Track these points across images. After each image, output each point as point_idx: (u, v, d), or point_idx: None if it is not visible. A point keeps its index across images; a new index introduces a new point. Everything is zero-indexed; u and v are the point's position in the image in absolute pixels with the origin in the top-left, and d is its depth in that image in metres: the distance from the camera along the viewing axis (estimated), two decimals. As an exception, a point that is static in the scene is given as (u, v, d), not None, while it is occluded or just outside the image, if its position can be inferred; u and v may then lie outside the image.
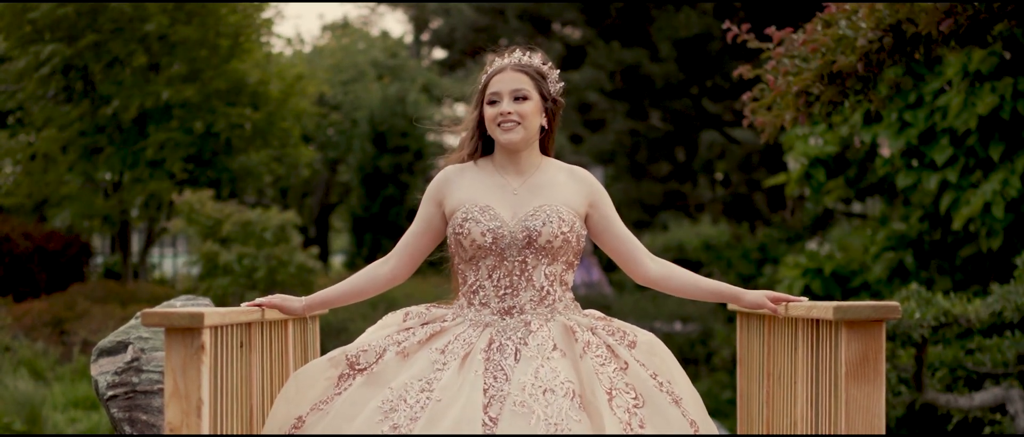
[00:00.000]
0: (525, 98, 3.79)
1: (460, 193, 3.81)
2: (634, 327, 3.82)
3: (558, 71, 3.93)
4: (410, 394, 3.53)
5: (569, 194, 3.81)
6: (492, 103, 3.81)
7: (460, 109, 25.21)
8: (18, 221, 15.56)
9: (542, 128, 3.85)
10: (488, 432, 3.41)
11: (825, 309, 3.52)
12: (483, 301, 3.75)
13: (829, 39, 5.45)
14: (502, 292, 3.73)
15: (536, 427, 3.37)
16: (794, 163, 10.88)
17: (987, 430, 7.57)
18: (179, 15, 14.57)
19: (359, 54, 24.02)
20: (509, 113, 3.77)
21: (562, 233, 3.73)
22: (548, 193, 3.79)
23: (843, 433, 3.43)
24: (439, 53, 28.42)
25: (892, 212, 11.00)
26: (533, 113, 3.79)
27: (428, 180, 3.99)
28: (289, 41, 18.98)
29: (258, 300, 3.88)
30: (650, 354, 3.73)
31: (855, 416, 3.43)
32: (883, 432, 3.43)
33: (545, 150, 3.93)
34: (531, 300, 3.73)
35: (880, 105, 5.73)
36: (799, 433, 3.91)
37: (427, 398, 3.50)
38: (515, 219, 3.75)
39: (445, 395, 3.49)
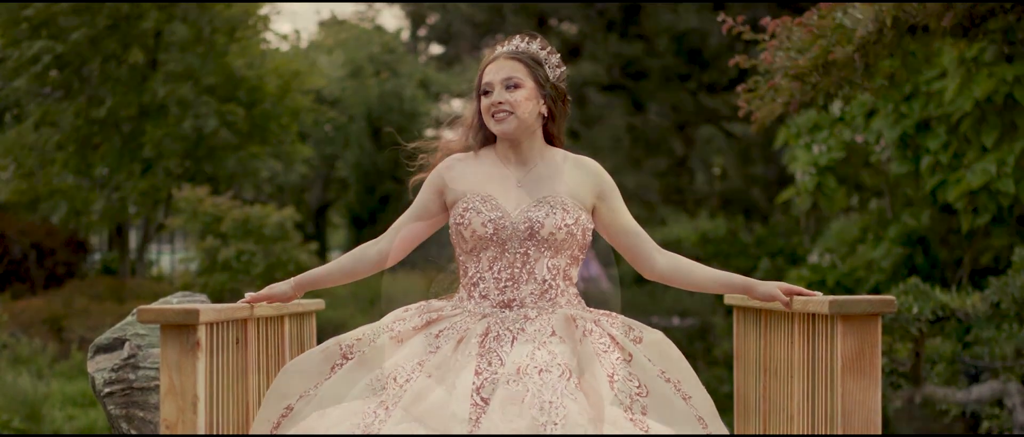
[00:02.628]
0: (517, 86, 3.67)
1: (462, 183, 3.71)
2: (642, 325, 3.67)
3: (559, 56, 3.79)
4: (401, 373, 3.44)
5: (575, 185, 3.70)
6: (486, 93, 3.71)
7: (457, 105, 25.18)
8: (15, 218, 15.53)
9: (543, 116, 3.74)
10: (479, 411, 3.31)
11: (821, 303, 3.51)
12: (483, 293, 3.64)
13: (826, 28, 5.45)
14: (502, 284, 3.62)
15: (530, 404, 3.24)
16: (802, 175, 10.67)
17: (985, 424, 7.57)
18: (175, 12, 14.55)
19: (356, 50, 23.99)
20: (500, 103, 3.66)
21: (566, 226, 3.62)
22: (553, 184, 3.68)
23: (839, 427, 3.42)
24: (436, 49, 28.39)
25: (892, 214, 10.93)
26: (526, 101, 3.67)
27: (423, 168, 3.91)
28: (285, 37, 18.94)
29: (247, 297, 3.82)
30: (659, 354, 3.59)
31: (851, 410, 3.41)
32: (879, 426, 3.42)
33: (551, 139, 3.80)
34: (532, 293, 3.62)
35: (875, 95, 5.72)
36: (795, 427, 3.90)
37: (417, 376, 3.42)
38: (517, 210, 3.64)
39: (436, 373, 3.41)
